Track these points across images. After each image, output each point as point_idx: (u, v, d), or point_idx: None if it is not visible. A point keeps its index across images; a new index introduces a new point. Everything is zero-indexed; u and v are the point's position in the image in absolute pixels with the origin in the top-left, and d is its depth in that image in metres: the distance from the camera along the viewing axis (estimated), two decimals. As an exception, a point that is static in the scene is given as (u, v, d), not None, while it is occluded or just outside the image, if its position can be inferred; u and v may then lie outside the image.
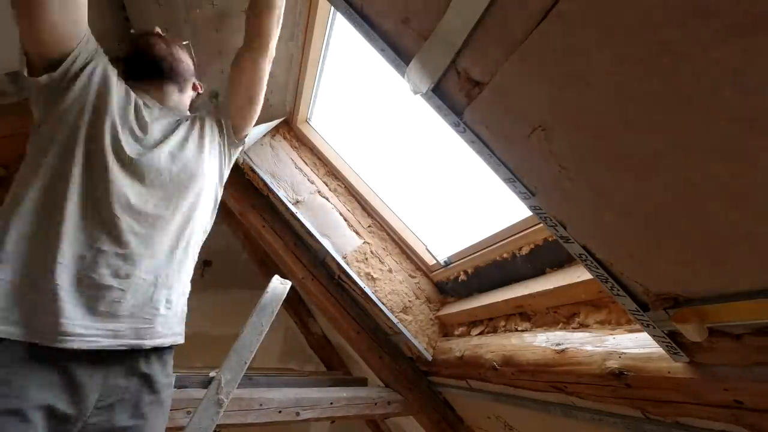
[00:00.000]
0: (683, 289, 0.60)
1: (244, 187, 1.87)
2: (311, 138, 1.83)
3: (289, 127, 1.85)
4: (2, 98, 1.69)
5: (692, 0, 0.36)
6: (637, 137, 0.48)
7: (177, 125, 1.01)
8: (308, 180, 1.78)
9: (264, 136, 1.78)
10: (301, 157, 1.82)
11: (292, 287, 1.18)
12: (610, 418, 0.93)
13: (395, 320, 1.62)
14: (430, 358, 1.55)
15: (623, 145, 0.50)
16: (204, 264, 3.00)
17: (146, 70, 1.05)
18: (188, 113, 1.13)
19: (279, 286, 1.11)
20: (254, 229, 1.89)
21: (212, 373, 1.65)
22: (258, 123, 1.72)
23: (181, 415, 1.34)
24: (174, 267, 0.90)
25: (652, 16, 0.39)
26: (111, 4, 1.60)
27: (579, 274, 0.98)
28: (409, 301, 1.68)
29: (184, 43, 1.18)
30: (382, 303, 1.65)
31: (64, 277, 0.74)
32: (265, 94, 1.63)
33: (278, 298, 1.10)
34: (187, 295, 0.97)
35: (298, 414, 1.51)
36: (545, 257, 1.15)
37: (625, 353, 0.81)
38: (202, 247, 1.07)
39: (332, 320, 1.87)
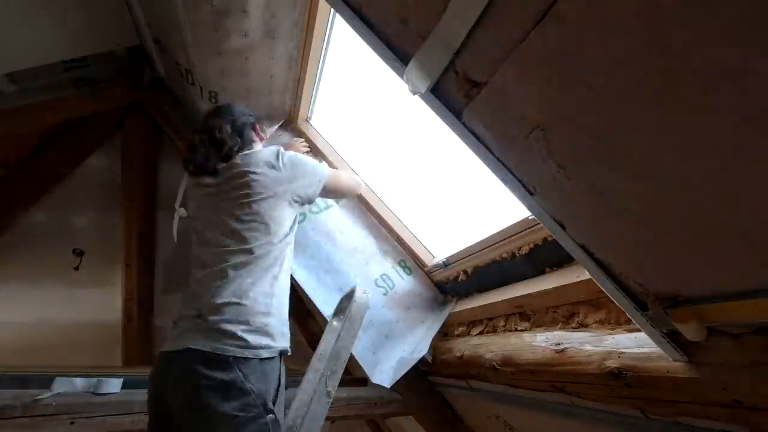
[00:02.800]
0: (682, 288, 0.60)
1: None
2: (311, 137, 1.83)
3: (289, 127, 1.85)
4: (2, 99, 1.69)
5: (692, 0, 0.36)
6: (636, 137, 0.48)
7: None
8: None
9: (263, 136, 1.78)
10: (300, 157, 1.82)
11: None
12: (610, 417, 0.94)
13: (395, 320, 1.61)
14: (430, 358, 1.54)
15: (622, 145, 0.50)
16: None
17: None
18: None
19: (362, 295, 1.34)
20: (254, 230, 1.89)
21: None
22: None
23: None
24: None
25: (651, 16, 0.39)
26: (117, 5, 1.60)
27: (578, 274, 0.98)
28: (409, 301, 1.68)
29: None
30: (382, 303, 1.64)
31: None
32: (266, 95, 1.64)
33: (364, 306, 1.33)
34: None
35: (298, 414, 1.51)
36: (545, 257, 1.15)
37: (624, 353, 0.81)
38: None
39: (332, 320, 1.86)
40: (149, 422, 1.03)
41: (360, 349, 1.51)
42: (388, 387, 1.49)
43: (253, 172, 1.16)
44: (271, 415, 0.97)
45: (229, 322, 1.01)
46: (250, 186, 1.15)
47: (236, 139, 1.26)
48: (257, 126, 1.39)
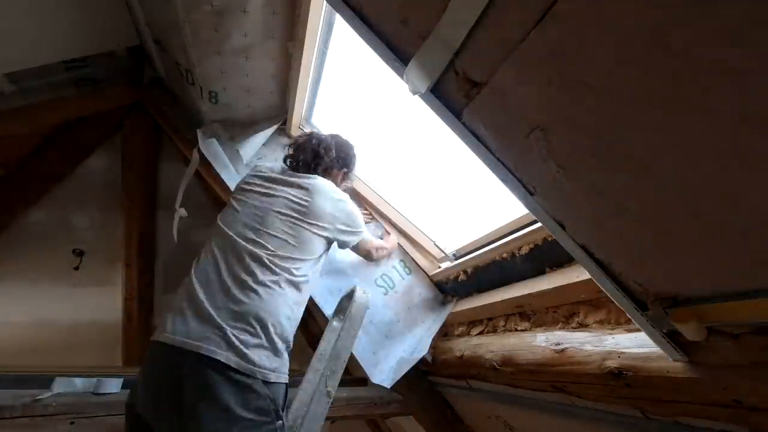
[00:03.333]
0: (682, 288, 0.60)
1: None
2: (311, 138, 1.83)
3: (289, 126, 1.85)
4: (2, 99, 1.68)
5: (692, 0, 0.36)
6: (636, 137, 0.48)
7: None
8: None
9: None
10: (300, 157, 1.82)
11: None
12: (610, 417, 0.93)
13: (395, 320, 1.61)
14: (430, 358, 1.54)
15: (622, 145, 0.50)
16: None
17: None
18: None
19: (363, 295, 1.36)
20: (254, 229, 1.88)
21: None
22: (258, 123, 1.72)
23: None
24: None
25: (651, 16, 0.39)
26: (117, 5, 1.60)
27: (578, 274, 0.98)
28: (409, 301, 1.67)
29: None
30: (382, 303, 1.64)
31: None
32: (265, 95, 1.64)
33: (364, 306, 1.34)
34: None
35: (298, 414, 1.51)
36: (545, 257, 1.15)
37: (624, 353, 0.81)
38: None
39: (332, 320, 1.86)
40: (146, 406, 0.99)
41: (360, 349, 1.51)
42: (388, 387, 1.49)
43: (315, 198, 1.23)
44: (280, 421, 0.99)
45: (254, 346, 1.00)
46: (307, 207, 1.21)
47: (330, 161, 1.38)
48: (348, 175, 1.49)
